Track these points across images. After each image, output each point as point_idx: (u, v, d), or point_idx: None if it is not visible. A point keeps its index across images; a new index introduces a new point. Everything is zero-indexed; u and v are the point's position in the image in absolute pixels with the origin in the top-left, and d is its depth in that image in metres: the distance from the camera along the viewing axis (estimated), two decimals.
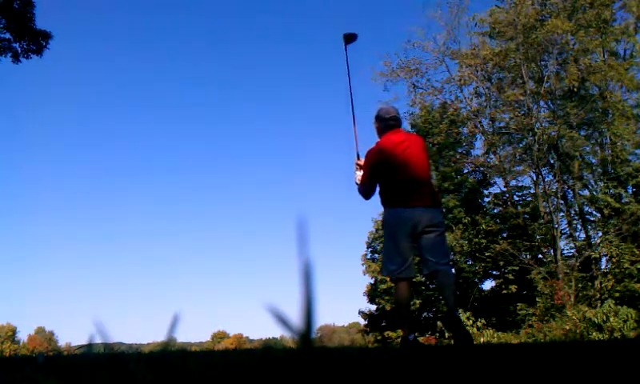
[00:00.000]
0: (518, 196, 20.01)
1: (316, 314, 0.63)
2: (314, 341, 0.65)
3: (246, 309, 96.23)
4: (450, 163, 19.64)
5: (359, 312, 22.63)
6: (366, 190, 3.92)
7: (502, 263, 18.91)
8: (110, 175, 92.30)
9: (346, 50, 4.46)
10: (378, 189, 3.89)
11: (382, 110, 4.06)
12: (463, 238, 18.96)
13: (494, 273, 20.27)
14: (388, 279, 20.32)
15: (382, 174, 3.79)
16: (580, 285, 16.37)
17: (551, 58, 17.47)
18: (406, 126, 20.57)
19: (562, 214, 18.21)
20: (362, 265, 22.45)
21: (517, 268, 18.01)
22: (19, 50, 12.69)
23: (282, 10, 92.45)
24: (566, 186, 18.46)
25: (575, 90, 17.19)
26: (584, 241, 18.17)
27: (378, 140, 3.98)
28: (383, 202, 3.83)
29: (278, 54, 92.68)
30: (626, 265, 15.85)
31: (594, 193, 18.24)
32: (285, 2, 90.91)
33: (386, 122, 3.95)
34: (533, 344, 6.07)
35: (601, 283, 16.63)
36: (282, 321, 0.64)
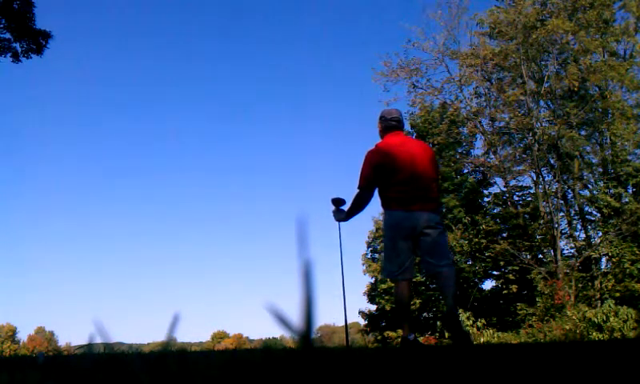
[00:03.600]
0: (517, 196, 20.03)
1: (316, 313, 0.63)
2: (314, 341, 0.65)
3: (246, 309, 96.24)
4: (450, 163, 19.65)
5: (359, 312, 22.65)
6: (362, 195, 3.86)
7: (502, 263, 18.91)
8: (110, 175, 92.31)
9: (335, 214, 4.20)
10: (376, 192, 3.88)
11: (385, 111, 4.06)
12: (463, 238, 18.97)
13: (494, 273, 20.29)
14: (388, 280, 20.42)
15: (380, 177, 3.77)
16: (580, 285, 16.37)
17: (551, 57, 17.48)
18: (406, 126, 20.58)
19: (562, 213, 18.22)
20: (362, 264, 22.47)
21: (517, 268, 18.01)
22: (19, 49, 12.72)
23: (282, 10, 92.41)
24: (566, 186, 18.47)
25: (575, 89, 17.19)
26: (584, 241, 18.17)
27: (378, 142, 3.99)
28: (382, 205, 3.83)
29: (278, 53, 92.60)
30: (627, 265, 15.86)
31: (594, 193, 18.25)
32: (284, 1, 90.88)
33: (388, 123, 3.94)
34: (533, 344, 6.07)
35: (601, 283, 16.64)
36: (282, 321, 0.64)
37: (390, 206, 3.73)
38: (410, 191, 3.66)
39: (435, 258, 3.63)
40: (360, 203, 3.92)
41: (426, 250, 3.65)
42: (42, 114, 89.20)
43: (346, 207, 4.14)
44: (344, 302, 4.10)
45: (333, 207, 4.19)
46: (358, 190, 3.89)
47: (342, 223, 4.23)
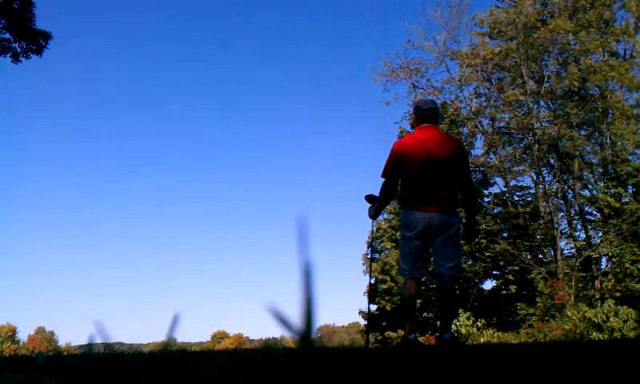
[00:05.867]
0: (517, 196, 20.03)
1: (316, 313, 0.63)
2: (314, 341, 0.65)
3: (246, 309, 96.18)
4: None
5: (359, 312, 22.66)
6: (386, 185, 3.87)
7: (502, 263, 18.92)
8: (109, 175, 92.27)
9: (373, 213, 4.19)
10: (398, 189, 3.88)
11: (421, 101, 4.00)
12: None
13: (494, 273, 20.29)
14: (388, 279, 20.45)
15: (399, 171, 3.76)
16: (580, 285, 16.38)
17: (551, 57, 17.48)
18: (407, 126, 20.60)
19: (561, 213, 18.23)
20: (363, 264, 22.49)
21: (517, 268, 18.02)
22: (19, 50, 12.70)
23: (281, 10, 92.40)
24: (566, 186, 18.47)
25: (575, 89, 17.19)
26: (584, 241, 18.18)
27: (408, 132, 3.96)
28: (399, 202, 3.82)
29: (277, 53, 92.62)
30: (627, 264, 15.87)
31: (594, 193, 18.25)
32: (283, 1, 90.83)
33: (422, 113, 3.82)
34: (533, 344, 6.07)
35: (601, 283, 16.65)
36: (282, 321, 0.65)
37: (406, 205, 3.71)
38: (426, 191, 3.62)
39: (441, 259, 3.63)
40: (384, 193, 3.91)
41: (435, 250, 3.67)
42: (41, 115, 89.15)
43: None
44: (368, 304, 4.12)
45: (369, 205, 4.17)
46: (382, 180, 3.90)
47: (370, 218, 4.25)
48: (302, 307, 0.63)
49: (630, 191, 17.78)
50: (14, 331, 69.74)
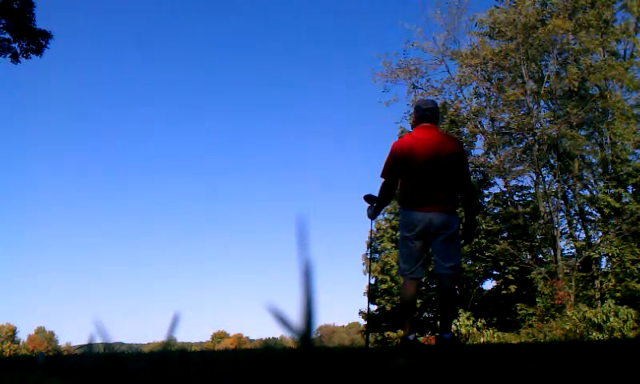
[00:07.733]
0: (518, 196, 20.02)
1: (316, 313, 0.63)
2: (314, 341, 0.65)
3: (246, 309, 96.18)
4: None
5: (359, 312, 22.64)
6: (385, 185, 3.87)
7: (502, 263, 18.91)
8: (109, 175, 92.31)
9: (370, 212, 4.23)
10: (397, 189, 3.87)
11: (421, 101, 4.04)
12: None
13: (494, 273, 20.28)
14: (388, 279, 20.43)
15: (399, 171, 3.76)
16: (580, 285, 16.38)
17: (551, 57, 17.47)
18: (407, 126, 20.61)
19: (562, 213, 18.22)
20: (363, 265, 22.46)
21: (517, 268, 18.00)
22: (18, 50, 12.68)
23: (281, 10, 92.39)
24: (566, 186, 18.47)
25: (575, 89, 17.18)
26: (584, 241, 18.17)
27: (408, 132, 3.98)
28: (399, 202, 3.82)
29: (277, 53, 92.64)
30: (627, 264, 15.86)
31: (594, 193, 18.25)
32: (284, 1, 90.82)
33: (422, 113, 3.82)
34: (533, 344, 6.07)
35: (601, 283, 16.64)
36: (282, 321, 0.64)
37: (406, 205, 3.70)
38: (426, 191, 3.62)
39: (441, 259, 3.63)
40: (383, 194, 3.91)
41: (435, 250, 3.66)
42: (41, 114, 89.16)
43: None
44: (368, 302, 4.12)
45: (367, 204, 4.18)
46: (382, 180, 3.90)
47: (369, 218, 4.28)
48: (301, 307, 0.63)
49: (630, 191, 17.78)
50: (13, 331, 69.75)
